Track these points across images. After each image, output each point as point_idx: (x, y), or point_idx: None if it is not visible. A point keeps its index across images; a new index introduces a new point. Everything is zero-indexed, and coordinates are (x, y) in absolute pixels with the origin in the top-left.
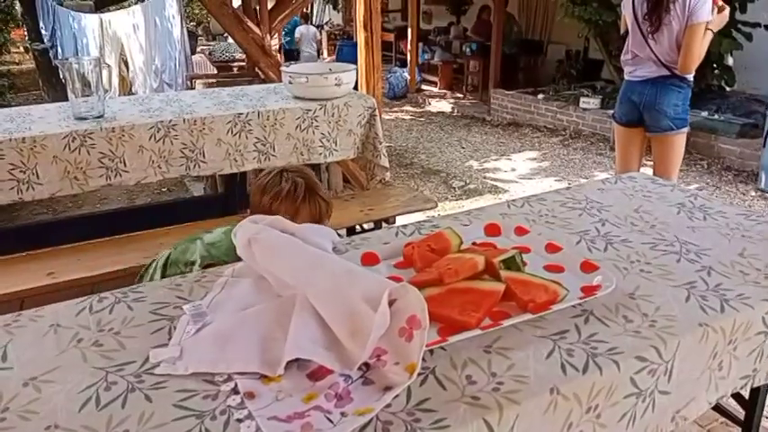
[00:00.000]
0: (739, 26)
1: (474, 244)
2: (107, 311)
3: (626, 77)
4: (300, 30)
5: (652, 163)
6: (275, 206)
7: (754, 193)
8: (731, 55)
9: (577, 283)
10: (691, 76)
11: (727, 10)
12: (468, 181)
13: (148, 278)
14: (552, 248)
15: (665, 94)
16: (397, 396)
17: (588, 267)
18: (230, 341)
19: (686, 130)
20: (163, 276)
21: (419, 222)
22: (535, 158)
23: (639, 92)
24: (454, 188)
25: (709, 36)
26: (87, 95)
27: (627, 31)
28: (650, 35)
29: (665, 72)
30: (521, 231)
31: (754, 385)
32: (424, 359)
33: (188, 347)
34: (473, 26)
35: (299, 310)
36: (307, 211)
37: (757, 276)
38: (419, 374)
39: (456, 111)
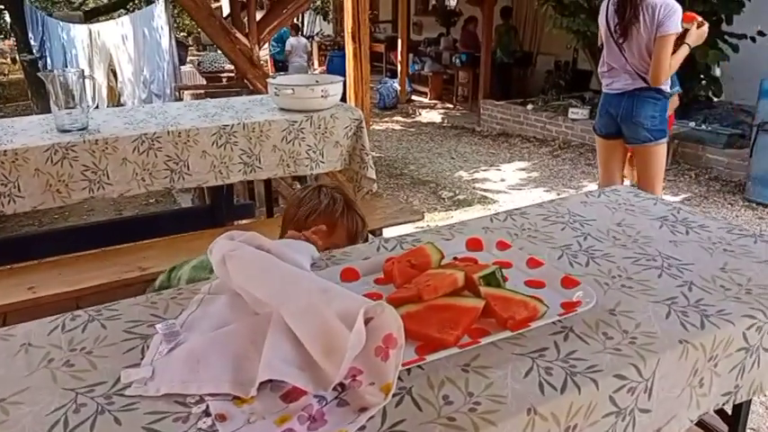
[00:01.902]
0: (726, 37)
1: (455, 259)
2: (80, 330)
3: (603, 90)
4: (291, 42)
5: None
6: (311, 220)
7: (741, 203)
8: (718, 66)
9: (558, 299)
10: (667, 88)
11: (706, 26)
12: (457, 191)
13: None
14: (533, 263)
15: (641, 107)
16: (372, 417)
17: (569, 283)
18: (202, 361)
19: (665, 140)
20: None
21: (401, 237)
22: (524, 169)
23: (616, 104)
24: (443, 199)
25: (685, 50)
26: (71, 108)
27: (603, 44)
28: (621, 44)
29: (641, 84)
30: (503, 246)
31: (737, 402)
32: (400, 378)
33: (160, 368)
34: (460, 37)
35: (273, 330)
36: (344, 228)
37: (738, 292)
38: (395, 395)
39: (446, 121)
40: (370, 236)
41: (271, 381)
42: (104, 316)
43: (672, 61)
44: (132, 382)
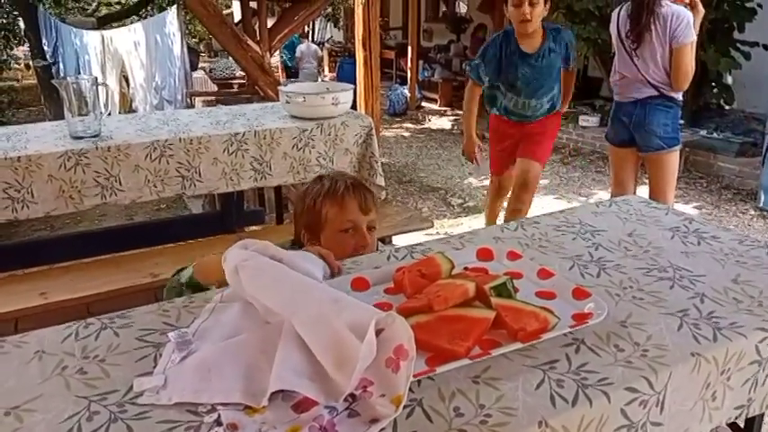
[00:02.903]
0: (738, 45)
1: (466, 269)
2: (93, 338)
3: (615, 98)
4: (301, 48)
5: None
6: (319, 203)
7: (753, 212)
8: (730, 74)
9: (569, 311)
10: (679, 96)
11: (700, 5)
12: (467, 198)
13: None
14: (544, 274)
15: (653, 115)
16: (383, 429)
17: (580, 294)
18: (214, 371)
19: (678, 148)
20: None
21: (411, 246)
22: None
23: (629, 112)
24: (453, 205)
25: (693, 45)
26: (84, 114)
27: (614, 53)
28: (633, 52)
29: (653, 92)
30: (513, 256)
31: (749, 415)
32: (411, 390)
33: (172, 376)
34: (470, 44)
35: (284, 340)
36: (354, 201)
37: (750, 304)
38: (406, 406)
39: (456, 128)
40: (380, 244)
41: (282, 391)
42: (117, 324)
43: (689, 66)
44: (145, 390)
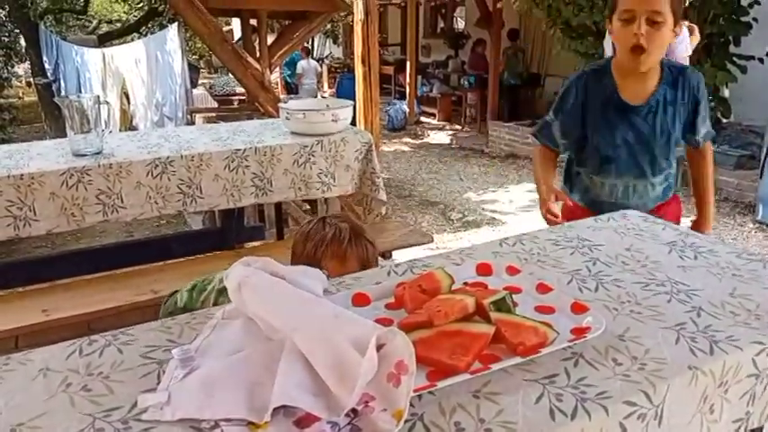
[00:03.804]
0: (734, 59)
1: (465, 284)
2: (97, 354)
3: None
4: (302, 64)
5: None
6: (320, 252)
7: (751, 225)
8: (727, 87)
9: (568, 325)
10: None
11: (696, 29)
12: (466, 213)
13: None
14: (543, 289)
15: None
16: None
17: (579, 308)
18: (217, 387)
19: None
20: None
21: (411, 261)
22: (533, 190)
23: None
24: (452, 220)
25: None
26: (86, 132)
27: None
28: None
29: None
30: (512, 271)
31: (749, 428)
32: (412, 405)
33: (175, 393)
34: (469, 59)
35: (286, 355)
36: (354, 255)
37: (747, 317)
38: (407, 421)
39: (454, 142)
40: (380, 259)
41: (284, 406)
42: (121, 340)
43: None
44: (149, 406)
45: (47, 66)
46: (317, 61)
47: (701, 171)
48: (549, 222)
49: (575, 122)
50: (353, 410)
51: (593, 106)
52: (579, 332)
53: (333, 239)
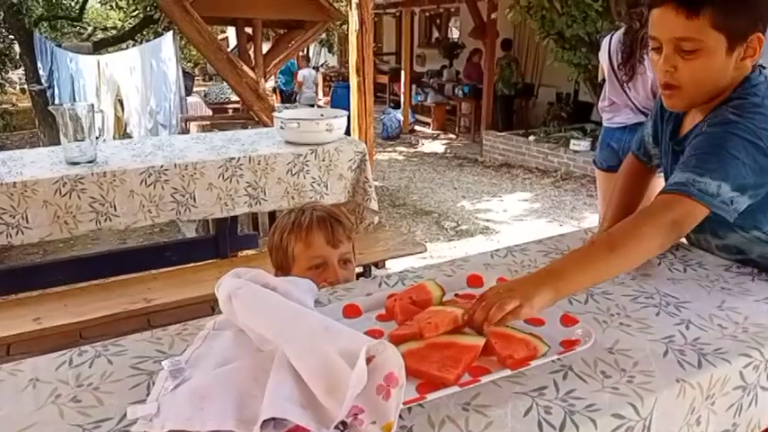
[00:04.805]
0: None
1: (456, 296)
2: (87, 365)
3: (604, 124)
4: (303, 73)
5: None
6: (285, 240)
7: None
8: None
9: (557, 337)
10: None
11: None
12: (459, 222)
13: None
14: None
15: None
16: None
17: (568, 321)
18: (206, 398)
19: None
20: None
21: (402, 272)
22: (527, 199)
23: (618, 138)
24: (446, 229)
25: None
26: (80, 140)
27: (605, 79)
28: (626, 84)
29: (642, 118)
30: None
31: None
32: (401, 417)
33: (165, 404)
34: (464, 69)
35: (276, 367)
36: (320, 237)
37: (735, 330)
38: None
39: (448, 151)
40: (373, 268)
41: (274, 418)
42: (111, 351)
43: None
44: (138, 418)
45: (41, 72)
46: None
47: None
48: None
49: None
50: (343, 423)
51: (660, 130)
52: (569, 344)
53: (294, 223)
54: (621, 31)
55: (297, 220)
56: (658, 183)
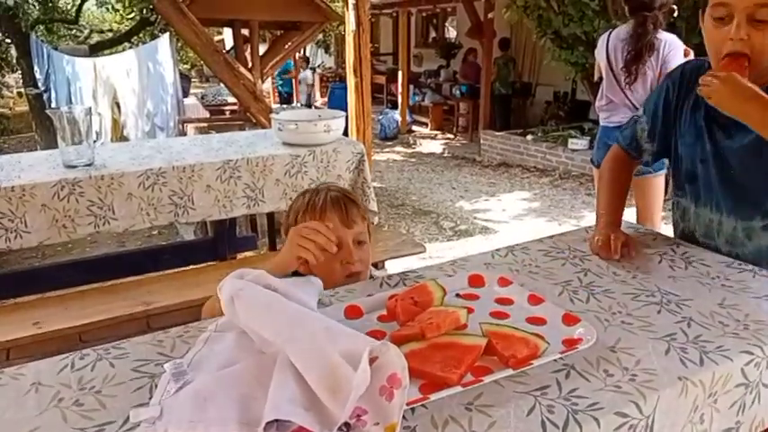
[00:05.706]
0: None
1: (458, 295)
2: (89, 369)
3: (601, 123)
4: (307, 74)
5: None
6: (300, 219)
7: None
8: None
9: (559, 336)
10: None
11: (692, 54)
12: (458, 222)
13: None
14: (535, 300)
15: None
16: None
17: (570, 320)
18: (209, 401)
19: (663, 172)
20: None
21: (404, 273)
22: (525, 199)
23: (615, 137)
24: (445, 229)
25: None
26: (78, 143)
27: (601, 77)
28: (627, 85)
29: None
30: (504, 282)
31: None
32: (405, 418)
33: (168, 407)
34: (460, 69)
35: (279, 369)
36: (334, 217)
37: (736, 327)
38: None
39: (446, 151)
40: (372, 269)
41: (277, 420)
42: (112, 354)
43: None
44: (141, 421)
45: (38, 76)
46: (311, 71)
47: None
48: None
49: (657, 128)
50: (346, 424)
51: (682, 116)
52: (571, 343)
53: (309, 204)
54: (622, 30)
55: (311, 200)
56: (659, 182)
